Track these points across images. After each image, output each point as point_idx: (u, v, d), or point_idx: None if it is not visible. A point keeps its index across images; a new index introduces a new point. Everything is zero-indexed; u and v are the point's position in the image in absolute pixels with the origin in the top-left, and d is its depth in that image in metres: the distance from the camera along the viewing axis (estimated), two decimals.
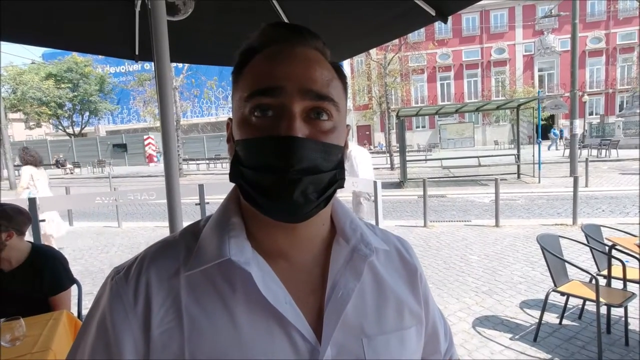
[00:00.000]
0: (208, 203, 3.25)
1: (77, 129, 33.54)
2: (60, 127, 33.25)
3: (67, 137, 32.64)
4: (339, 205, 0.54)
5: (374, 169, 5.51)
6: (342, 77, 0.50)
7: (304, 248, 0.49)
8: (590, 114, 30.01)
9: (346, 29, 2.23)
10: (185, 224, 1.52)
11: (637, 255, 2.55)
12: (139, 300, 0.45)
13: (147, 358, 0.44)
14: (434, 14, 1.80)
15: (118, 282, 0.47)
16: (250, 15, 2.10)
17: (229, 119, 0.52)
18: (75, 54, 28.61)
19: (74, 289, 1.97)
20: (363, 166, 4.61)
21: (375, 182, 3.67)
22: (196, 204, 3.29)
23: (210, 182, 10.55)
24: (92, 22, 2.02)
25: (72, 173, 23.73)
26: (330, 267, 0.49)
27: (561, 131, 25.09)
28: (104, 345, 0.45)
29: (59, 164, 24.80)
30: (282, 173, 0.42)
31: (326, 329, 0.46)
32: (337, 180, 0.47)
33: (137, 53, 2.30)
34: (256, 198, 0.44)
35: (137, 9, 1.92)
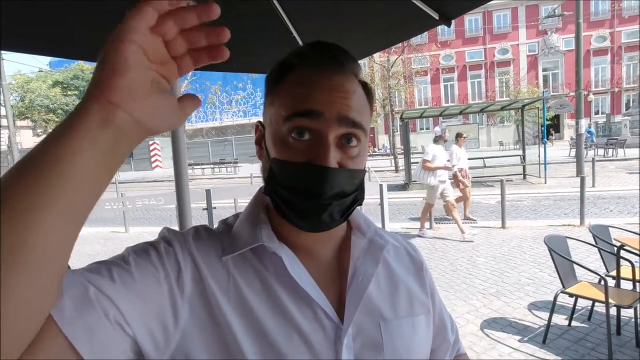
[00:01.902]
0: (215, 208, 3.27)
1: None
2: None
3: None
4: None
5: (378, 171, 5.78)
6: (370, 98, 0.54)
7: (323, 243, 0.55)
8: (596, 113, 29.78)
9: (349, 33, 2.25)
10: None
11: None
12: (196, 250, 0.49)
13: (184, 288, 0.46)
14: (437, 17, 1.82)
15: (176, 233, 0.51)
16: (254, 21, 2.13)
17: (259, 122, 0.56)
18: (81, 61, 29.00)
19: None
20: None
21: (381, 186, 3.68)
22: (203, 209, 3.32)
23: (217, 187, 10.61)
24: (101, 32, 2.06)
25: None
26: (351, 256, 0.55)
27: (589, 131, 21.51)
28: (155, 252, 0.47)
29: None
30: (316, 198, 0.47)
31: (348, 310, 0.51)
32: (358, 199, 0.52)
33: None
34: (287, 213, 0.49)
35: None
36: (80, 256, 5.72)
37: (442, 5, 1.77)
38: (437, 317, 0.63)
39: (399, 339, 0.53)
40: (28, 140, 42.66)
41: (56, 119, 30.13)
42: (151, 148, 28.85)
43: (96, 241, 6.73)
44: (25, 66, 54.47)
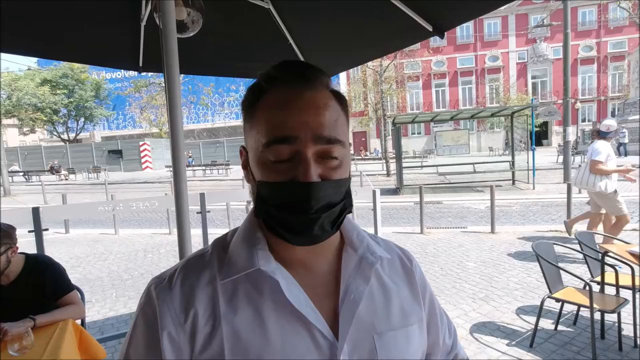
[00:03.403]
0: (209, 212, 3.27)
1: (72, 135, 33.39)
2: (55, 133, 33.09)
3: (62, 143, 32.47)
4: (346, 220, 0.60)
5: (370, 175, 5.29)
6: (344, 106, 0.55)
7: (318, 257, 0.56)
8: (583, 120, 30.41)
9: (346, 42, 2.29)
10: (192, 231, 1.55)
11: (629, 262, 2.62)
12: (185, 309, 0.51)
13: (190, 358, 0.50)
14: (431, 29, 1.87)
15: (163, 291, 0.53)
16: (253, 31, 2.16)
17: (242, 147, 0.57)
18: None
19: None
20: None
21: (374, 191, 3.72)
22: (197, 213, 3.32)
23: (210, 191, 10.53)
24: (98, 35, 2.06)
25: (66, 179, 23.57)
26: (342, 273, 0.56)
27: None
28: (154, 347, 0.50)
29: (53, 170, 24.64)
30: (304, 214, 0.49)
31: (342, 327, 0.52)
32: (347, 208, 0.53)
33: (141, 65, 2.35)
34: (279, 232, 0.51)
35: (143, 23, 1.97)
36: (69, 258, 5.64)
37: (436, 18, 1.82)
38: (429, 321, 0.64)
39: (394, 350, 0.55)
40: (14, 138, 41.80)
41: (44, 118, 29.61)
42: (141, 149, 28.55)
43: (85, 243, 6.63)
44: (13, 64, 53.35)
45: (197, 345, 0.49)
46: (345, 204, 0.53)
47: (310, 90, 0.50)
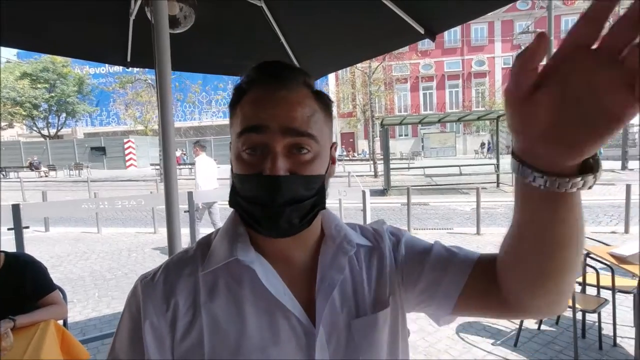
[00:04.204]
0: (197, 210, 3.22)
1: (52, 131, 32.42)
2: (35, 129, 32.07)
3: (42, 139, 31.50)
4: (327, 213, 0.62)
5: (358, 175, 5.23)
6: (324, 106, 0.56)
7: (298, 249, 0.58)
8: None
9: (337, 43, 2.29)
10: (182, 229, 1.52)
11: (610, 264, 2.70)
12: (166, 299, 0.54)
13: (172, 347, 0.52)
14: (422, 32, 1.89)
15: (147, 285, 0.55)
16: (245, 29, 2.14)
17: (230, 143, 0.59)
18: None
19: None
20: None
21: (363, 192, 3.74)
22: (185, 211, 3.28)
23: (199, 190, 10.39)
24: (85, 28, 2.01)
25: (46, 176, 22.91)
26: (319, 264, 0.58)
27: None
28: (137, 339, 0.52)
29: (32, 167, 23.91)
30: (268, 206, 0.50)
31: (318, 313, 0.54)
32: (319, 204, 0.55)
33: (128, 60, 2.30)
34: (250, 223, 0.54)
35: (132, 17, 1.93)
36: (50, 257, 5.48)
37: (428, 21, 1.84)
38: (406, 255, 0.61)
39: (368, 333, 0.56)
40: None
41: (23, 112, 28.67)
42: (125, 146, 27.95)
43: (66, 242, 6.46)
44: None
45: (177, 333, 0.51)
46: (317, 201, 0.54)
47: (284, 89, 0.52)
